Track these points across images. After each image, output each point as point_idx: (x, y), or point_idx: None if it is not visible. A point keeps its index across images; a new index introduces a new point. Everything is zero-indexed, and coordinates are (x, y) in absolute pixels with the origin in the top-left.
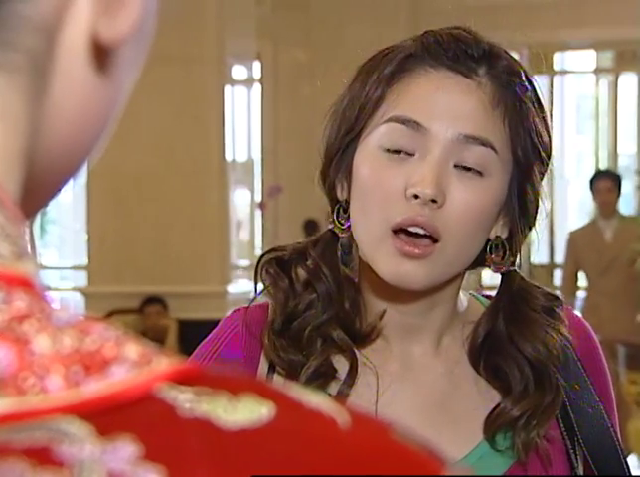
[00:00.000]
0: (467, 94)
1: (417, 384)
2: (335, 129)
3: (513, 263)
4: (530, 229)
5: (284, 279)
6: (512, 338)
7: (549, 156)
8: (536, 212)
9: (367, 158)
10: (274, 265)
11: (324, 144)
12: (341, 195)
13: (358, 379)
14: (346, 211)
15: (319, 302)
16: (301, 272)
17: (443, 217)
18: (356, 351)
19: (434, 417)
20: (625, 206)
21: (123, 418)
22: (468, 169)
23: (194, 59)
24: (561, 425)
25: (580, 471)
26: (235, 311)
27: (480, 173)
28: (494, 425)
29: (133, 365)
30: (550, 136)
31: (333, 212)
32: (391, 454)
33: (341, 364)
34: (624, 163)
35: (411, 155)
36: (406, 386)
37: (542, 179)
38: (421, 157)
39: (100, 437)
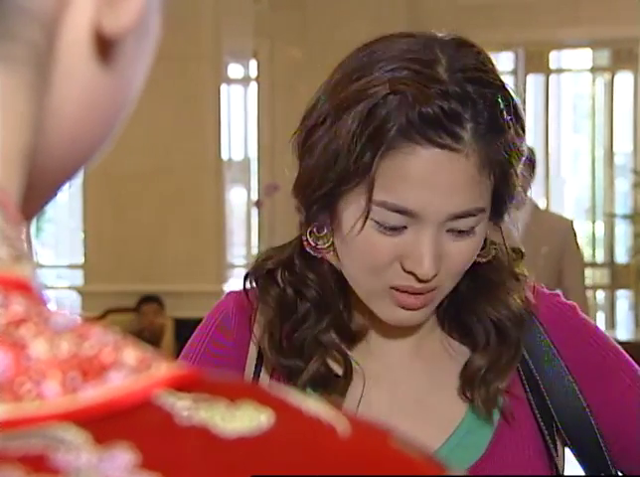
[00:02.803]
0: (456, 171)
1: (394, 383)
2: (321, 162)
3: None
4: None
5: (273, 290)
6: (475, 299)
7: (523, 155)
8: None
9: (356, 217)
10: (262, 278)
11: (310, 158)
12: (320, 221)
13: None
14: (320, 232)
15: (313, 311)
16: (289, 279)
17: (441, 272)
18: (351, 358)
19: (410, 412)
20: (621, 205)
21: (120, 426)
22: (460, 231)
23: (190, 57)
24: (525, 383)
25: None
26: (228, 294)
27: (472, 230)
28: (468, 380)
29: (131, 371)
30: (523, 135)
31: (307, 226)
32: (391, 462)
33: (336, 367)
34: (620, 162)
35: (404, 227)
36: (382, 385)
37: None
38: (415, 233)
39: (97, 445)
